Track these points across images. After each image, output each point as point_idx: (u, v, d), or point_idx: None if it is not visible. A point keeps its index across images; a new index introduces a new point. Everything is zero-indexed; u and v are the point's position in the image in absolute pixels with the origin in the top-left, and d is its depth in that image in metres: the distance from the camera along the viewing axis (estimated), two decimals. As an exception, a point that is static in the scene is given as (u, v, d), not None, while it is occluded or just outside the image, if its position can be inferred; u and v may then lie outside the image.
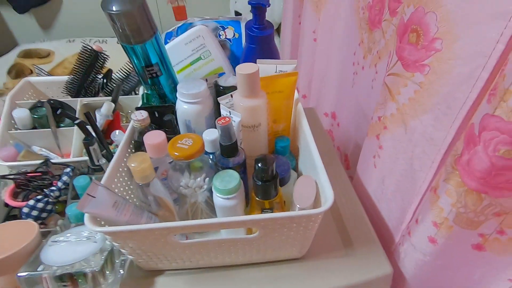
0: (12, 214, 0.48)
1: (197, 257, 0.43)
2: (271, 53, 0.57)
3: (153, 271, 0.45)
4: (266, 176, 0.39)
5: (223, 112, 0.47)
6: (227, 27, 0.65)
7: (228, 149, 0.44)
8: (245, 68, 0.44)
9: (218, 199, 0.41)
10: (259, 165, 0.38)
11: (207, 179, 0.44)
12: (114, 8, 0.43)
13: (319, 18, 1.00)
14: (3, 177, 0.47)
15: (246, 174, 0.48)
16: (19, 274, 0.37)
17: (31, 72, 1.67)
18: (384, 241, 0.51)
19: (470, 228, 0.37)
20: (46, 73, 1.63)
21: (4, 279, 0.38)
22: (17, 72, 1.66)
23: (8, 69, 1.65)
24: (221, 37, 0.65)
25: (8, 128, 0.56)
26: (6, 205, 0.47)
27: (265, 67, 0.49)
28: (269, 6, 0.52)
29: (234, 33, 0.66)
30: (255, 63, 0.52)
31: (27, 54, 1.71)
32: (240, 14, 1.72)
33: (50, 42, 1.74)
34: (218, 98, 0.49)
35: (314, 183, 0.41)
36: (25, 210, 0.45)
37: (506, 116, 0.29)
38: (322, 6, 0.96)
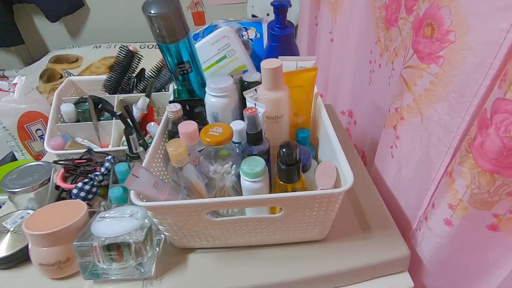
0: (62, 197, 0.54)
1: (225, 235, 0.47)
2: (292, 51, 0.61)
3: (185, 249, 0.49)
4: (290, 160, 0.43)
5: (249, 104, 0.51)
6: (250, 28, 0.70)
7: (254, 138, 0.47)
8: (269, 63, 0.48)
9: (245, 182, 0.45)
10: (284, 150, 0.42)
11: (234, 165, 0.48)
12: (152, 11, 0.49)
13: (336, 18, 1.03)
14: (56, 162, 0.53)
15: (269, 161, 0.51)
16: (74, 243, 0.42)
17: (61, 76, 1.79)
18: (402, 229, 0.54)
19: (484, 209, 0.39)
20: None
21: (60, 249, 0.44)
22: (48, 76, 1.77)
23: (41, 74, 1.77)
24: (244, 37, 0.70)
25: (56, 121, 0.63)
26: (57, 187, 0.53)
27: (286, 63, 0.53)
28: (290, 6, 0.56)
29: (256, 34, 0.70)
30: (277, 57, 0.56)
31: (58, 60, 1.83)
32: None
33: (78, 48, 1.86)
34: (243, 92, 0.53)
35: (334, 168, 0.45)
36: (74, 191, 0.50)
37: (515, 98, 0.31)
38: (339, 7, 1.00)
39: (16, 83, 0.73)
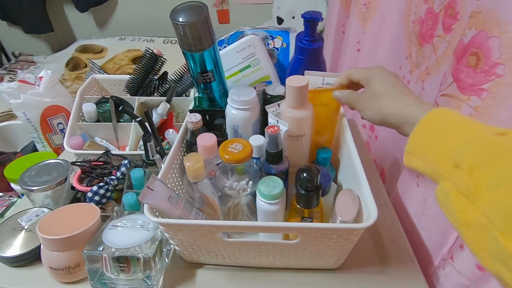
0: (77, 197, 0.54)
1: (236, 255, 0.45)
2: (319, 66, 0.59)
3: (194, 263, 0.48)
4: (310, 186, 0.41)
5: (271, 120, 0.49)
6: (276, 37, 0.68)
7: (274, 157, 0.46)
8: (295, 80, 0.46)
9: (261, 203, 0.43)
10: (304, 174, 0.40)
11: (251, 182, 0.47)
12: (180, 20, 0.47)
13: (365, 28, 0.99)
14: (73, 163, 0.53)
15: (287, 181, 0.50)
16: (84, 251, 0.42)
17: (86, 65, 1.83)
18: (421, 262, 0.51)
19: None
20: (98, 67, 1.76)
21: (70, 254, 0.44)
22: (74, 65, 1.82)
23: (67, 62, 1.82)
24: (269, 46, 0.68)
25: (77, 119, 0.63)
26: (73, 188, 0.53)
27: (311, 78, 0.51)
28: (321, 20, 0.54)
29: (282, 43, 0.68)
30: (302, 74, 0.54)
31: (84, 49, 1.86)
32: (282, 20, 1.74)
33: (104, 39, 1.89)
34: (265, 106, 0.51)
35: (356, 197, 0.42)
36: (89, 194, 0.50)
37: None
38: (370, 17, 0.96)
39: (42, 77, 0.74)
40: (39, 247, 0.46)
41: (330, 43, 1.25)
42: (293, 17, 1.72)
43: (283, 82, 0.64)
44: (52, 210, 0.51)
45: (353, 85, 0.47)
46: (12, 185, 0.72)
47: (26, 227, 0.49)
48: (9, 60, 2.05)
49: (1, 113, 1.45)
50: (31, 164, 0.56)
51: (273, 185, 0.43)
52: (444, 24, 0.56)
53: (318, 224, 0.36)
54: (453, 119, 0.31)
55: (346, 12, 1.12)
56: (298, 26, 0.59)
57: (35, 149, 0.83)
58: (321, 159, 0.52)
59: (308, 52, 0.58)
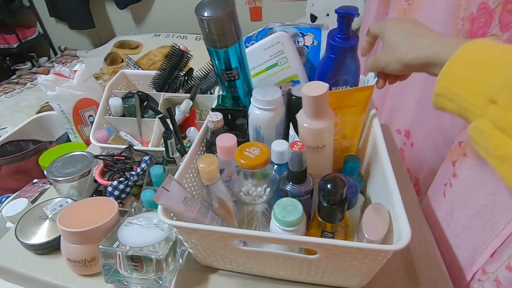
0: (99, 190, 0.55)
1: (251, 263, 0.43)
2: (352, 66, 0.54)
3: (208, 267, 0.47)
4: (334, 200, 0.37)
5: (291, 132, 0.45)
6: (307, 34, 0.64)
7: (296, 176, 0.41)
8: (312, 88, 0.41)
9: (275, 227, 0.39)
10: (329, 186, 0.37)
11: (268, 189, 0.44)
12: (205, 14, 0.46)
13: (407, 26, 0.92)
14: (96, 156, 0.54)
15: (312, 199, 0.45)
16: (100, 246, 0.42)
17: (122, 60, 1.90)
18: (452, 278, 0.45)
19: None
20: (134, 62, 1.83)
21: (87, 248, 0.44)
22: (111, 60, 1.90)
23: (105, 57, 1.91)
24: (299, 43, 0.64)
25: (104, 113, 0.65)
26: (95, 181, 0.54)
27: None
28: (358, 16, 0.49)
29: (313, 40, 0.64)
30: (334, 73, 0.50)
31: (121, 45, 1.94)
32: (316, 18, 1.68)
33: (140, 35, 1.96)
34: (296, 115, 0.46)
35: (386, 214, 0.38)
36: (109, 189, 0.51)
37: None
38: (412, 14, 0.88)
39: (76, 70, 0.77)
40: (59, 237, 0.47)
41: (366, 43, 1.18)
42: (328, 15, 1.65)
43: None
44: (75, 201, 0.52)
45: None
46: (45, 172, 0.75)
47: (50, 216, 0.50)
48: (56, 54, 2.20)
49: (45, 103, 1.55)
50: (64, 153, 0.58)
51: (290, 209, 0.38)
52: (502, 22, 0.49)
53: (340, 242, 0.33)
54: (487, 51, 0.29)
55: (385, 9, 1.05)
56: (333, 24, 0.55)
57: (68, 140, 0.87)
58: (348, 168, 0.47)
59: (340, 51, 0.53)
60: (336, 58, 0.54)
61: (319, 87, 0.40)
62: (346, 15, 0.49)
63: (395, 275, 0.45)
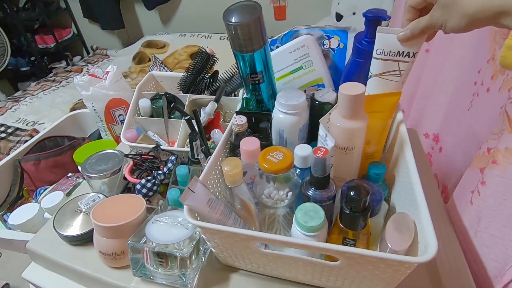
0: (128, 187, 0.58)
1: (271, 266, 0.44)
2: (379, 70, 0.53)
3: (229, 266, 0.48)
4: (357, 208, 0.37)
5: (321, 133, 0.45)
6: (333, 37, 0.63)
7: (319, 182, 0.41)
8: (350, 88, 0.42)
9: (297, 232, 0.39)
10: (352, 194, 0.36)
11: (290, 193, 0.44)
12: (233, 20, 0.46)
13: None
14: (126, 155, 0.57)
15: (334, 205, 0.45)
16: (128, 241, 0.44)
17: (149, 59, 1.97)
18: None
19: None
20: (160, 61, 1.88)
21: (117, 242, 0.47)
22: (139, 59, 1.97)
23: (134, 56, 1.98)
24: (324, 46, 0.64)
25: (133, 113, 0.68)
26: (125, 178, 0.57)
27: (383, 37, 0.43)
28: (389, 19, 0.48)
29: (339, 43, 0.63)
30: (360, 78, 0.49)
31: (148, 44, 2.01)
32: (342, 17, 1.64)
33: (166, 35, 2.01)
34: (320, 120, 0.46)
35: (412, 224, 0.37)
36: (138, 186, 0.53)
37: None
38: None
39: (108, 71, 0.81)
40: (92, 230, 0.50)
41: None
42: (354, 13, 1.61)
43: (337, 85, 0.59)
44: (106, 196, 0.55)
45: (422, 13, 0.40)
46: (79, 167, 0.80)
47: (84, 210, 0.54)
48: (88, 53, 2.32)
49: (78, 100, 1.65)
50: (95, 149, 0.62)
51: (312, 214, 0.38)
52: None
53: (363, 251, 0.33)
54: None
55: (416, 7, 1.01)
56: (359, 23, 0.54)
57: (99, 137, 0.92)
58: (373, 175, 0.47)
59: (368, 55, 0.52)
60: (363, 61, 0.53)
61: (357, 87, 0.41)
62: (375, 19, 0.48)
63: (419, 285, 0.44)
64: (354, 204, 0.36)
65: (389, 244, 0.35)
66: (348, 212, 0.37)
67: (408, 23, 0.41)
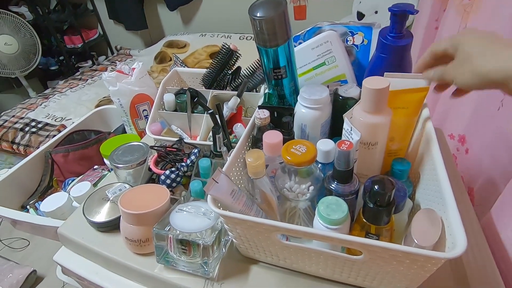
0: (152, 178, 0.60)
1: (292, 259, 0.44)
2: (404, 67, 0.52)
3: (249, 258, 0.49)
4: (381, 202, 0.36)
5: (346, 127, 0.45)
6: (357, 33, 0.63)
7: (343, 176, 0.41)
8: (374, 82, 0.41)
9: (318, 224, 0.39)
10: (376, 187, 0.36)
11: (312, 187, 0.44)
12: (258, 14, 0.47)
13: (466, 23, 0.85)
14: (152, 147, 0.59)
15: (356, 200, 0.45)
16: (154, 228, 0.46)
17: (170, 59, 2.02)
18: None
19: None
20: (181, 61, 1.92)
21: (142, 229, 0.48)
22: (161, 58, 2.02)
23: (155, 55, 2.04)
24: (348, 42, 0.63)
25: (158, 108, 0.70)
26: (150, 169, 0.59)
27: (391, 81, 0.45)
28: (416, 13, 0.47)
29: (363, 39, 0.62)
30: (383, 73, 0.48)
31: (170, 44, 2.06)
32: (363, 15, 1.62)
33: (187, 35, 2.06)
34: (344, 115, 0.46)
35: (439, 220, 0.36)
36: (162, 177, 0.55)
37: None
38: (473, 11, 0.82)
39: (134, 68, 0.84)
40: (119, 217, 0.52)
41: (418, 41, 1.12)
42: (376, 12, 1.59)
43: (360, 82, 0.59)
44: (132, 186, 0.58)
45: (439, 62, 0.41)
46: (105, 160, 0.83)
47: (111, 198, 0.56)
48: (112, 53, 2.41)
49: (103, 98, 1.71)
50: (120, 143, 0.64)
51: (335, 208, 0.38)
52: None
53: (389, 244, 0.32)
54: None
55: (443, 5, 0.98)
56: (381, 21, 0.53)
57: (124, 131, 0.95)
58: (397, 171, 0.46)
59: (392, 50, 0.52)
60: (388, 57, 0.52)
61: (381, 82, 0.41)
62: (402, 13, 0.48)
63: (443, 285, 0.43)
64: (379, 197, 0.36)
65: (415, 239, 0.35)
66: (372, 206, 0.37)
67: (421, 63, 0.44)
